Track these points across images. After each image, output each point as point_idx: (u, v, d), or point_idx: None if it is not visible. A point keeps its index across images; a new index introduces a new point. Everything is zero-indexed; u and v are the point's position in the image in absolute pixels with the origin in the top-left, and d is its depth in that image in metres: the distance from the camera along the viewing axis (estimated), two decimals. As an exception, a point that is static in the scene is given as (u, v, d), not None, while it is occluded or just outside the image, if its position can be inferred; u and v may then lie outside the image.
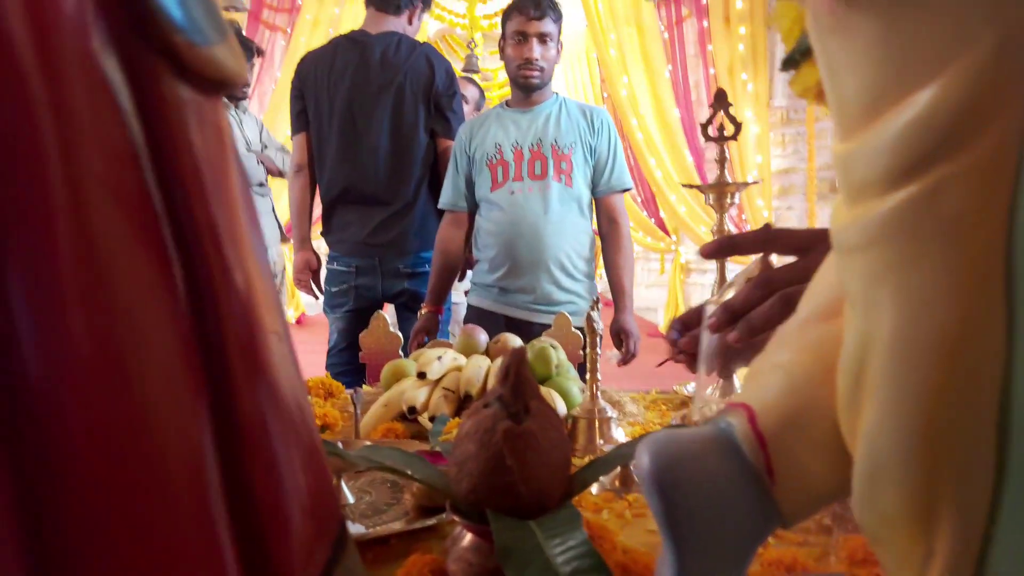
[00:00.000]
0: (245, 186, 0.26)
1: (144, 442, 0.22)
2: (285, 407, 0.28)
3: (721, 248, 0.53)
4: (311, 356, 3.06)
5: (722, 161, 0.98)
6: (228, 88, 0.24)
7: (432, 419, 0.78)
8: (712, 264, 0.92)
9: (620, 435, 0.72)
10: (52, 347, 0.20)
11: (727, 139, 0.98)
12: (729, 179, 0.99)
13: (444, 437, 0.61)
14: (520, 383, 0.43)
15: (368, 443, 0.61)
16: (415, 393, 0.81)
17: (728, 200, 0.98)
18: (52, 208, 0.20)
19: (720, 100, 0.96)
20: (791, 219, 4.26)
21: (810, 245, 0.49)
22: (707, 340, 0.54)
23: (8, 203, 0.19)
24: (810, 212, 4.18)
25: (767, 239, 0.52)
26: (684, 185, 1.11)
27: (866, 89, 0.22)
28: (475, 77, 3.87)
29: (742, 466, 0.29)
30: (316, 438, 0.32)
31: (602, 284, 2.00)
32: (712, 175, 1.01)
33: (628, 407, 0.86)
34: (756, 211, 4.09)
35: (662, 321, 5.76)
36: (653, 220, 5.57)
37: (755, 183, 1.03)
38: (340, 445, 0.63)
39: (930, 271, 0.21)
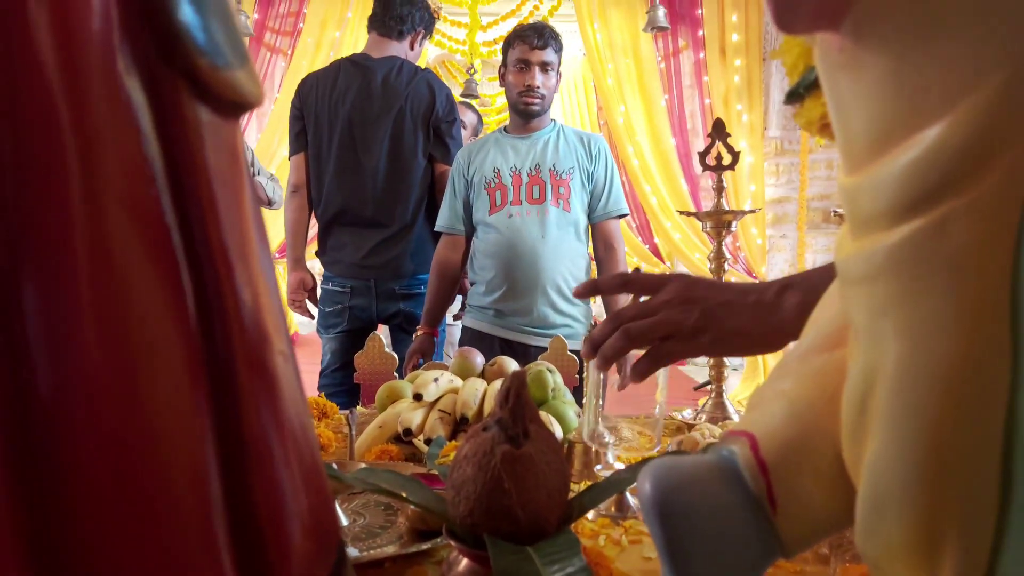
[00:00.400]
0: (256, 206, 0.27)
1: (149, 456, 0.22)
2: (289, 426, 0.28)
3: (587, 290, 0.63)
4: (303, 375, 3.03)
5: (719, 190, 0.99)
6: (246, 110, 0.24)
7: (428, 441, 0.77)
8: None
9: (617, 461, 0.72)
10: (64, 359, 0.20)
11: (724, 168, 0.99)
12: (726, 207, 1.00)
13: (441, 460, 0.61)
14: (520, 406, 0.43)
15: (363, 465, 0.61)
16: (411, 415, 0.81)
17: (725, 229, 0.99)
18: (70, 222, 0.20)
19: (718, 130, 0.97)
20: (785, 247, 4.29)
21: (660, 286, 0.57)
22: (592, 371, 0.63)
23: (28, 217, 0.19)
24: (800, 241, 4.21)
25: (625, 282, 0.61)
26: (681, 212, 1.12)
27: (874, 124, 0.22)
28: (473, 102, 3.91)
29: (744, 494, 0.29)
30: (318, 457, 0.32)
31: (596, 308, 2.00)
32: (708, 203, 1.02)
33: (624, 432, 0.85)
34: (751, 239, 4.12)
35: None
36: (648, 246, 5.59)
37: (752, 212, 1.04)
38: (335, 467, 0.63)
39: (935, 304, 0.22)
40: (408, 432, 0.79)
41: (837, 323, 0.31)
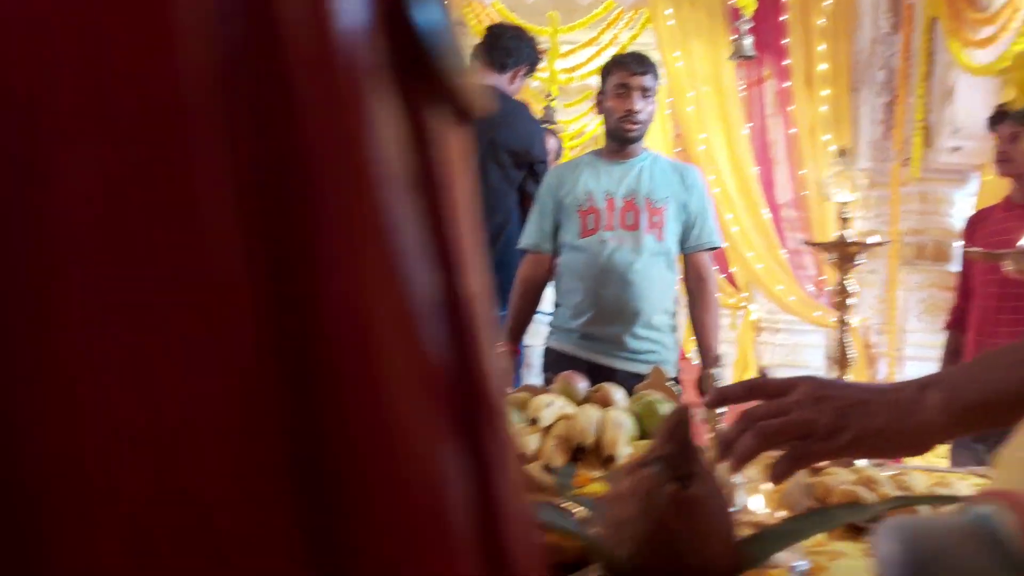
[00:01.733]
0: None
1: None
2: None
3: (715, 401, 0.63)
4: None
5: (843, 220, 0.94)
6: (473, 119, 0.23)
7: (549, 469, 0.74)
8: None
9: (754, 502, 0.67)
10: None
11: (847, 199, 0.94)
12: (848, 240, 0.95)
13: (580, 491, 0.58)
14: (687, 443, 0.40)
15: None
16: (524, 440, 0.78)
17: (849, 262, 0.94)
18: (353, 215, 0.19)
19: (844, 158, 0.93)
20: (875, 283, 4.08)
21: (789, 389, 0.57)
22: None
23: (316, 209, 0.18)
24: (890, 279, 3.98)
25: (752, 387, 0.61)
26: (808, 243, 1.08)
27: None
28: (554, 128, 3.92)
29: (1005, 561, 0.25)
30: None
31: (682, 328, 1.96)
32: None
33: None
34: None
35: (730, 379, 5.59)
36: (724, 275, 5.46)
37: (880, 244, 0.99)
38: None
39: None
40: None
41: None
